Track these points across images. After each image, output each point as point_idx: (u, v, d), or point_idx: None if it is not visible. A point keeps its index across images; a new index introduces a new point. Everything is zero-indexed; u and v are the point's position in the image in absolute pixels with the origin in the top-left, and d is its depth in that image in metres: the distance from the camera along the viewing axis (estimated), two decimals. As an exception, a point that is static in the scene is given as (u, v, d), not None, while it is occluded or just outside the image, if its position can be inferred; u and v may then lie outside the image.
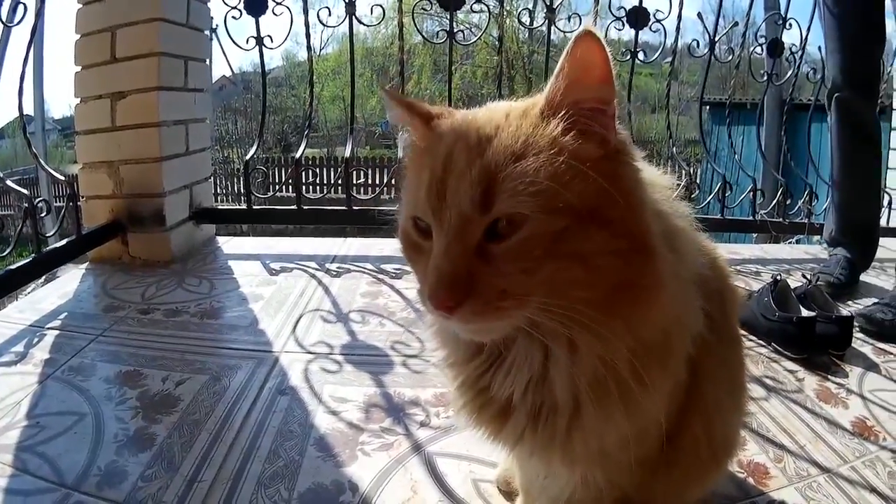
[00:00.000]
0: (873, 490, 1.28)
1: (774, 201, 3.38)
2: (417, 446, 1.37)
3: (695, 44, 3.11)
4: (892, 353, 1.96)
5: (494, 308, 0.67)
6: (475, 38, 3.65)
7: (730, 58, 3.16)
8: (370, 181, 11.26)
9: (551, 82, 0.70)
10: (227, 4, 2.66)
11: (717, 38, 3.04)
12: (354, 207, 2.97)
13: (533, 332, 0.73)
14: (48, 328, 1.93)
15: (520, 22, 2.87)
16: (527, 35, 18.07)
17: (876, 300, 2.24)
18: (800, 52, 3.20)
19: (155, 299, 2.17)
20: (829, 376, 1.79)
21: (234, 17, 2.69)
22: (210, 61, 2.87)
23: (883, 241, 2.85)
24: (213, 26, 2.83)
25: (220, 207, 3.15)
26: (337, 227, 3.46)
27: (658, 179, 0.83)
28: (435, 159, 0.73)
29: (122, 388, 1.56)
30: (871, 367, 1.86)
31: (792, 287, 2.11)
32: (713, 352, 0.88)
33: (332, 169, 14.54)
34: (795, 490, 1.27)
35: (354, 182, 3.07)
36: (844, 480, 1.31)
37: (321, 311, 2.12)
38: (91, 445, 1.32)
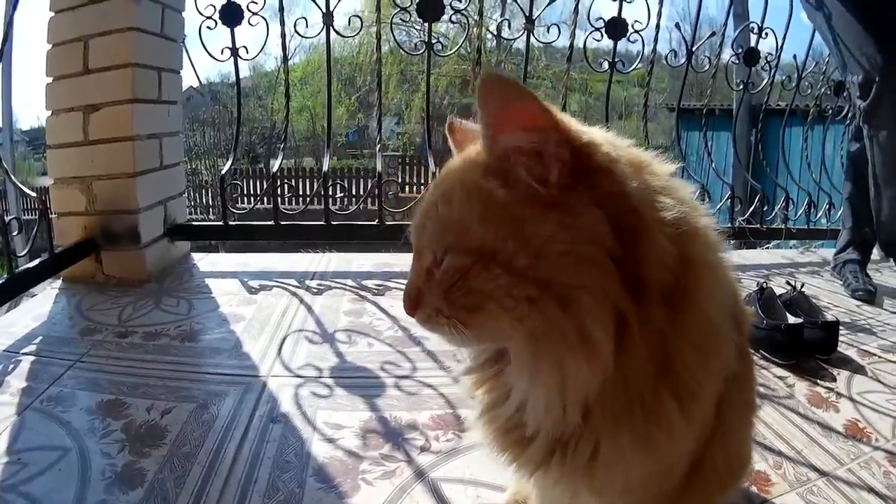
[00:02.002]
0: (871, 490, 1.32)
1: (752, 208, 3.41)
2: (420, 473, 1.33)
3: (671, 54, 3.13)
4: (876, 356, 2.02)
5: (434, 322, 0.78)
6: (454, 49, 3.62)
7: (706, 67, 3.17)
8: (340, 192, 11.22)
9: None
10: (202, 14, 2.59)
11: (694, 48, 3.05)
12: (333, 222, 2.92)
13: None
14: (23, 353, 1.84)
15: (497, 33, 2.83)
16: (494, 44, 18.12)
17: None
18: (775, 60, 3.22)
19: (132, 321, 2.09)
20: (818, 381, 1.83)
21: (208, 28, 2.61)
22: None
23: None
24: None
25: (195, 223, 3.06)
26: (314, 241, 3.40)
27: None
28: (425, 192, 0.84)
29: (106, 419, 1.48)
30: (858, 369, 1.91)
31: (777, 294, 2.15)
32: (735, 380, 0.87)
33: (302, 180, 14.48)
34: (797, 495, 1.30)
35: (335, 195, 3.02)
36: (843, 483, 1.35)
37: (306, 332, 2.06)
38: (78, 483, 1.24)
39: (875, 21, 2.36)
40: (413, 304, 0.79)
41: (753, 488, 1.31)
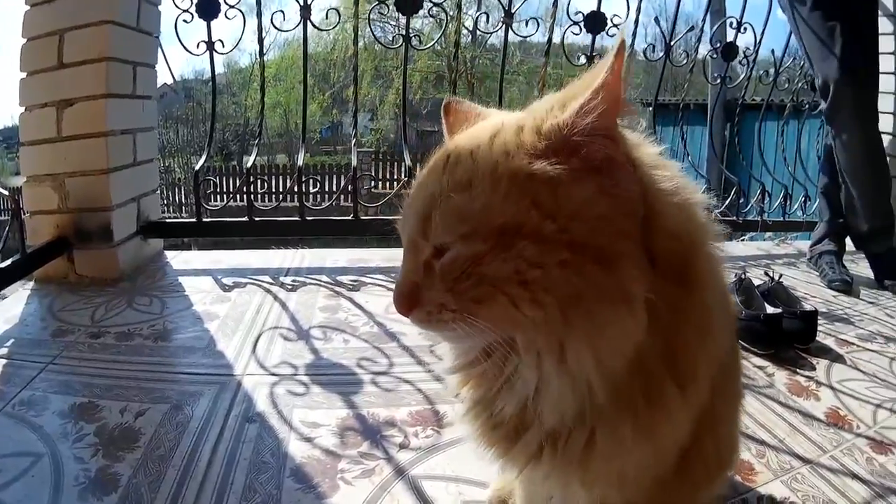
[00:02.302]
0: (855, 476, 1.35)
1: (728, 200, 3.43)
2: (400, 470, 1.31)
3: (649, 48, 3.15)
4: (855, 344, 2.06)
5: (436, 320, 0.72)
6: (432, 42, 3.62)
7: (684, 61, 3.18)
8: (314, 188, 11.19)
9: (576, 108, 0.68)
10: (178, 7, 2.56)
11: (672, 43, 3.07)
12: (308, 217, 2.89)
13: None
14: (-6, 357, 1.80)
15: (474, 27, 2.83)
16: (469, 40, 18.14)
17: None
18: (753, 55, 3.25)
19: (105, 321, 2.05)
20: (798, 370, 1.86)
21: (185, 21, 2.58)
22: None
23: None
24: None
25: (168, 221, 3.03)
26: (287, 238, 3.37)
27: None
28: (417, 181, 0.78)
29: (79, 422, 1.44)
30: (837, 358, 1.95)
31: (755, 284, 2.18)
32: (724, 367, 0.87)
33: (276, 177, 14.42)
34: (782, 483, 1.32)
35: (308, 191, 2.99)
36: (826, 470, 1.37)
37: (280, 329, 2.04)
38: (51, 490, 1.20)
39: (836, 34, 2.50)
40: (409, 301, 0.73)
41: (738, 477, 1.32)
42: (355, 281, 2.54)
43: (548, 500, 0.96)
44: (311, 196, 3.07)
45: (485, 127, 0.77)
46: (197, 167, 2.91)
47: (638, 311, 0.67)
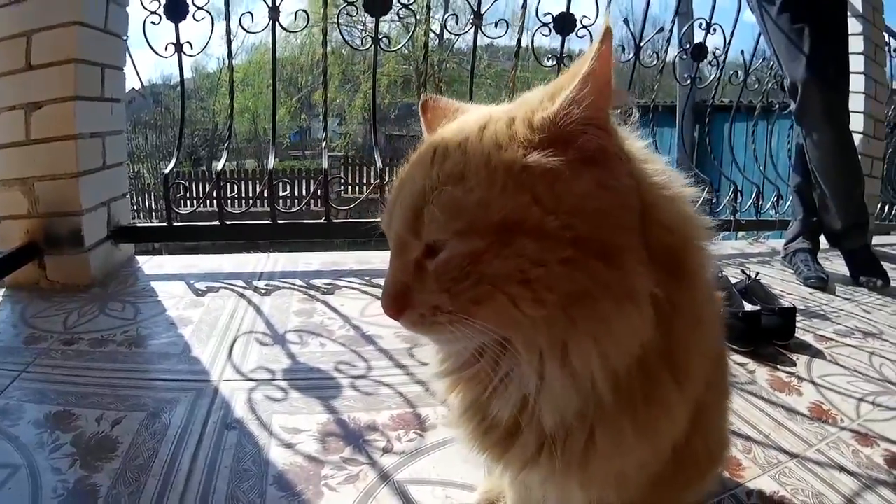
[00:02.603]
0: (842, 469, 1.37)
1: (700, 199, 3.47)
2: (385, 475, 1.30)
3: (619, 49, 3.17)
4: (833, 340, 2.10)
5: (430, 322, 0.69)
6: (401, 45, 3.62)
7: (654, 62, 3.20)
8: (284, 192, 11.15)
9: (565, 99, 0.66)
10: (146, 9, 2.53)
11: (642, 44, 3.09)
12: (279, 221, 2.87)
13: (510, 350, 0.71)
14: (-33, 365, 1.75)
15: (442, 29, 2.80)
16: (436, 44, 18.16)
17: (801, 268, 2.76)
18: (723, 56, 3.29)
19: (78, 328, 2.01)
20: (779, 366, 1.89)
21: (153, 23, 2.55)
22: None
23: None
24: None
25: (139, 225, 2.99)
26: (258, 241, 3.34)
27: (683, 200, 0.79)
28: (399, 177, 0.75)
29: (55, 432, 1.40)
30: (817, 354, 1.98)
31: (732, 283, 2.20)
32: (714, 362, 0.87)
33: (245, 182, 14.32)
34: (770, 478, 1.33)
35: (278, 195, 2.97)
36: (813, 463, 1.39)
37: (256, 334, 2.01)
38: (29, 503, 1.17)
39: (805, 35, 2.56)
40: (400, 304, 0.70)
41: (726, 473, 1.32)
42: (329, 284, 2.52)
43: (542, 502, 0.95)
44: (281, 200, 3.04)
45: (470, 120, 0.76)
46: (166, 171, 2.87)
47: (644, 308, 0.66)
